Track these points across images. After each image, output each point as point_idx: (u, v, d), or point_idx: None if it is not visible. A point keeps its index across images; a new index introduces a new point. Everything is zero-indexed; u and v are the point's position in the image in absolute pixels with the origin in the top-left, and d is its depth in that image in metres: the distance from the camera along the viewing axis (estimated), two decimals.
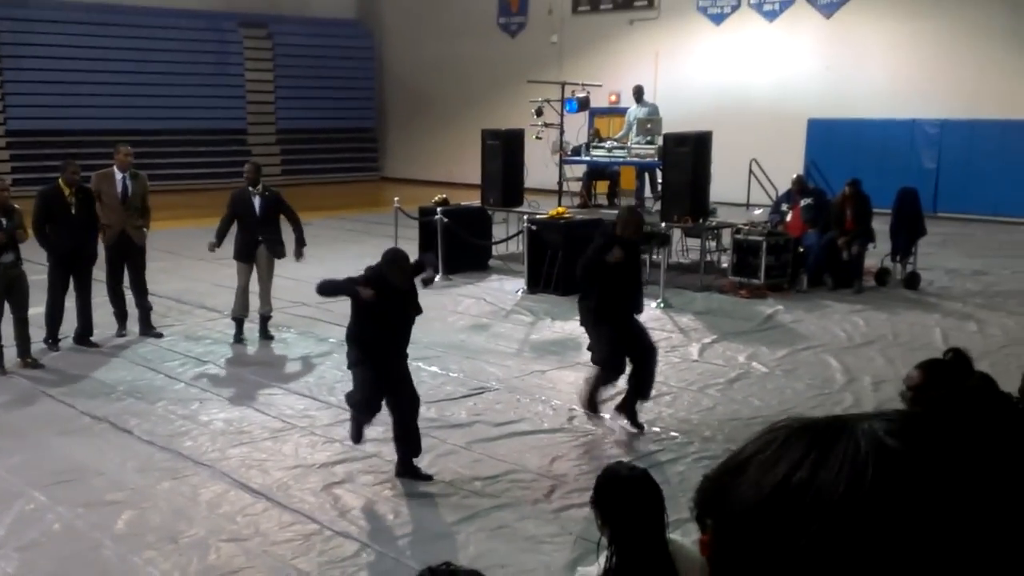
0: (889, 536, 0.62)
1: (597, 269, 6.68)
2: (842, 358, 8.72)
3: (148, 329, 9.46)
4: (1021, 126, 17.46)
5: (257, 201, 9.10)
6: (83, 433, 6.83)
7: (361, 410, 5.98)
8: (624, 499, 2.92)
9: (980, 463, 0.65)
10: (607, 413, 7.03)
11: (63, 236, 8.66)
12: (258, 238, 9.08)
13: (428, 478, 5.94)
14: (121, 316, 9.47)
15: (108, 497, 5.73)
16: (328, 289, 6.03)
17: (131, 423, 6.99)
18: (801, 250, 11.83)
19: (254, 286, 9.26)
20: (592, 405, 6.95)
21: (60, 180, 8.76)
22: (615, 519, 2.88)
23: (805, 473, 0.66)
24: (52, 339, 8.86)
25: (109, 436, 6.77)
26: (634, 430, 6.80)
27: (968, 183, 17.87)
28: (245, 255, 9.14)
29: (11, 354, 8.32)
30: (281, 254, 9.28)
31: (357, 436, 6.16)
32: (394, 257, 5.96)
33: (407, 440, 5.96)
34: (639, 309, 7.03)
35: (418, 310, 6.10)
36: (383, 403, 5.98)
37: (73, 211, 8.72)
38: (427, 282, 6.23)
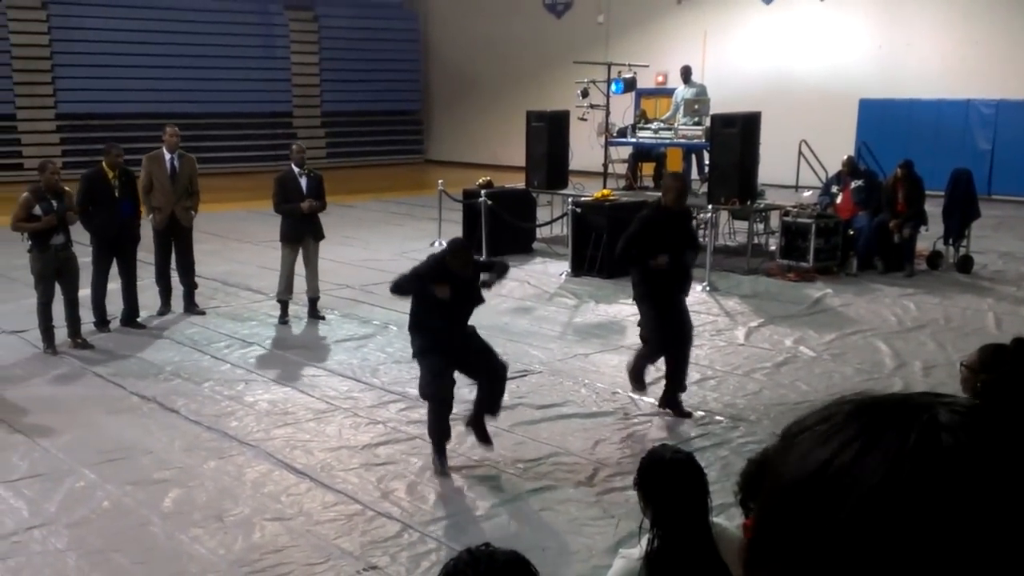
0: (913, 537, 0.60)
1: (639, 242, 6.58)
2: (892, 342, 8.55)
3: (192, 307, 9.63)
4: None
5: (304, 182, 9.18)
6: (131, 413, 6.93)
7: (435, 399, 5.85)
8: (667, 482, 2.90)
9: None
10: (652, 397, 6.94)
11: (106, 218, 8.77)
12: (307, 220, 9.13)
13: (488, 441, 5.97)
14: (166, 295, 9.61)
15: (155, 475, 5.81)
16: (402, 289, 5.93)
17: (178, 403, 7.08)
18: (851, 233, 11.62)
19: (299, 268, 9.32)
20: (639, 379, 6.89)
21: (104, 162, 8.87)
22: (658, 502, 2.88)
23: (847, 457, 0.64)
24: (101, 321, 9.00)
25: (157, 416, 6.86)
26: (682, 418, 6.74)
27: (1023, 165, 17.41)
28: (293, 237, 9.20)
29: (62, 335, 8.46)
30: (322, 235, 9.33)
31: (439, 440, 5.89)
32: (458, 247, 5.96)
33: (488, 403, 5.95)
34: (685, 289, 6.90)
35: (480, 299, 6.07)
36: (454, 391, 5.93)
37: (116, 193, 8.82)
38: (486, 285, 6.19)
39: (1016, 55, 17.55)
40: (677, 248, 6.69)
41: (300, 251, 9.25)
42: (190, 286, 9.65)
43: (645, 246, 6.57)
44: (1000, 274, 11.50)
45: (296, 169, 9.19)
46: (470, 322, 6.06)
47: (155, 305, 9.61)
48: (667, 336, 6.69)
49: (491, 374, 5.94)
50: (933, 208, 11.75)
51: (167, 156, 9.43)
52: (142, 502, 5.46)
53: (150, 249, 9.55)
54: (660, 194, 6.97)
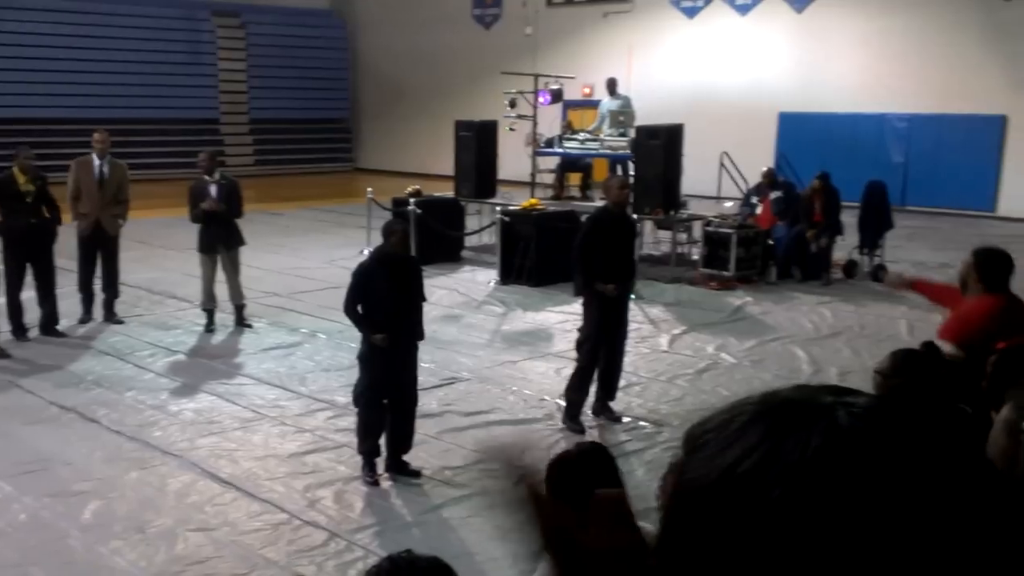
0: (815, 542, 0.62)
1: (590, 246, 6.72)
2: (809, 349, 8.82)
3: (111, 316, 9.46)
4: (988, 121, 17.71)
5: (214, 190, 9.00)
6: (50, 423, 6.79)
7: (368, 407, 5.86)
8: (582, 475, 2.91)
9: (917, 484, 0.63)
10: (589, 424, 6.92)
11: (18, 224, 8.55)
12: (218, 228, 8.99)
13: (417, 474, 5.92)
14: (88, 303, 9.43)
15: (75, 487, 5.71)
16: (351, 300, 5.88)
17: (99, 413, 6.95)
18: (770, 242, 11.94)
19: (220, 275, 9.21)
20: (575, 418, 6.78)
21: (14, 167, 8.65)
22: (580, 496, 2.88)
23: (750, 464, 0.65)
24: (17, 329, 8.77)
25: (77, 426, 6.73)
26: (612, 423, 6.86)
27: (935, 177, 18.10)
28: (205, 246, 9.09)
29: None
30: (241, 242, 9.23)
31: (368, 449, 5.85)
32: (393, 226, 6.00)
33: (401, 438, 5.96)
34: (629, 288, 7.05)
35: (422, 295, 6.10)
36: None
37: (29, 199, 8.60)
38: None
39: (928, 71, 18.25)
40: (621, 251, 6.87)
41: (218, 261, 9.13)
42: (112, 295, 9.48)
43: (594, 250, 6.70)
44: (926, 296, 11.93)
45: (206, 177, 9.07)
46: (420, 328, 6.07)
47: (76, 313, 9.41)
48: (601, 339, 6.81)
49: (402, 404, 5.92)
50: (849, 219, 12.15)
51: (96, 162, 9.24)
52: (61, 515, 5.36)
53: (73, 256, 9.35)
54: (600, 200, 7.14)
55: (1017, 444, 1.86)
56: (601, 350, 6.84)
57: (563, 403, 7.06)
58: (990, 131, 17.76)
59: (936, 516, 0.62)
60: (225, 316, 9.45)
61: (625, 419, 6.98)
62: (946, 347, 4.07)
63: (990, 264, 4.40)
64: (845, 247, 12.18)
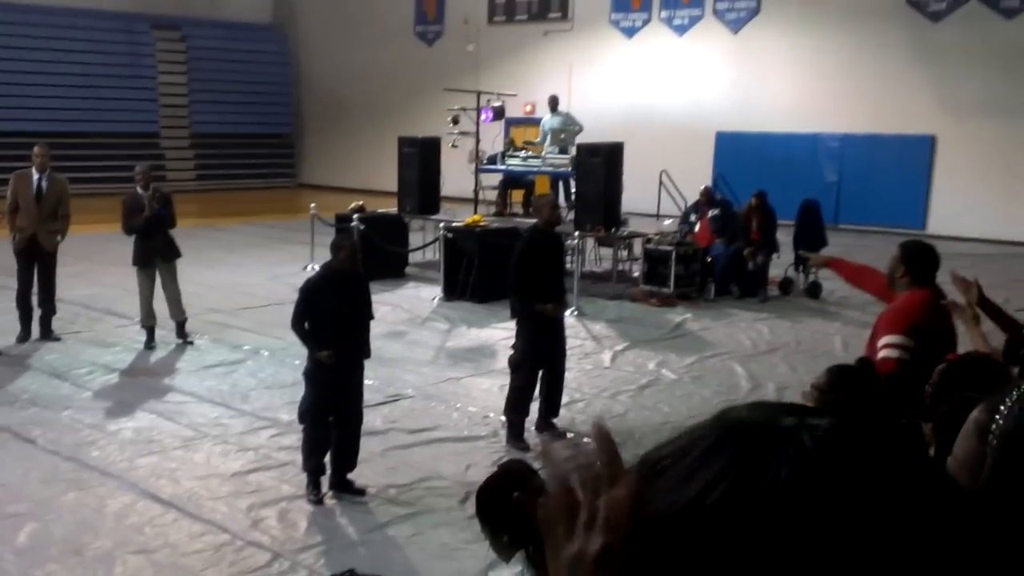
0: (792, 569, 0.62)
1: (526, 268, 6.79)
2: (747, 365, 9.01)
3: (47, 333, 9.28)
4: (919, 141, 18.27)
5: (147, 210, 8.86)
6: None
7: (313, 424, 5.84)
8: (512, 494, 2.93)
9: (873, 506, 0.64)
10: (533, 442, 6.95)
11: None
12: (153, 240, 8.90)
13: (361, 493, 5.92)
14: (26, 320, 9.22)
15: (9, 509, 5.59)
16: (298, 317, 5.87)
17: (35, 432, 6.82)
18: (709, 260, 12.16)
19: (159, 291, 9.10)
20: (519, 436, 6.82)
21: None
22: (514, 518, 2.88)
23: (719, 494, 0.64)
24: None
25: (11, 446, 6.59)
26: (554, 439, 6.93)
27: (867, 195, 18.60)
28: (142, 260, 8.96)
29: None
30: (177, 254, 9.13)
31: (313, 468, 5.84)
32: (342, 242, 6.01)
33: (346, 456, 5.95)
34: (564, 305, 7.16)
35: (370, 312, 6.10)
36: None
37: None
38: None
39: (861, 91, 18.77)
40: (555, 270, 6.98)
41: (157, 275, 9.02)
42: (49, 312, 9.29)
43: (531, 271, 6.77)
44: (846, 299, 12.22)
45: (141, 191, 8.96)
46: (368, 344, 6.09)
47: (10, 330, 9.20)
48: (541, 358, 6.88)
49: (348, 422, 5.93)
50: (784, 236, 12.43)
51: (35, 176, 9.07)
52: None
53: (6, 271, 9.15)
54: (534, 218, 7.22)
55: (984, 447, 1.94)
56: (543, 369, 6.92)
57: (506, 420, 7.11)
58: (920, 150, 18.32)
59: (911, 537, 0.63)
60: (165, 333, 9.33)
61: (568, 435, 7.05)
62: (895, 343, 4.16)
63: (918, 259, 4.43)
64: (781, 264, 12.45)
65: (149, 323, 9.13)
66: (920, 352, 4.11)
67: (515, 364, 6.95)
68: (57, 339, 9.25)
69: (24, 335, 9.19)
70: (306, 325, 5.84)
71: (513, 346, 7.05)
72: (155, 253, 8.92)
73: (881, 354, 4.18)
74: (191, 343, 9.22)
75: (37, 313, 9.28)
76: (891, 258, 4.51)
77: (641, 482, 0.68)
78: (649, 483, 0.68)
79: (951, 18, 17.90)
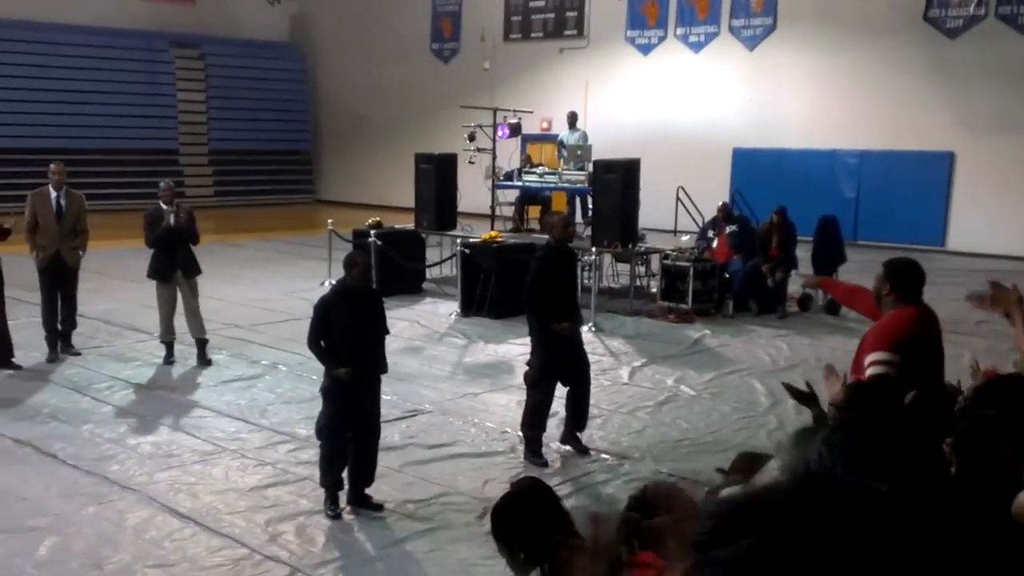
0: None
1: (542, 285, 6.78)
2: (766, 381, 8.96)
3: (68, 347, 9.31)
4: (936, 157, 18.19)
5: (172, 218, 8.92)
6: (5, 457, 6.67)
7: (331, 439, 5.84)
8: (528, 512, 2.88)
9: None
10: (551, 457, 6.94)
11: None
12: (174, 254, 8.93)
13: (379, 508, 5.91)
14: (53, 342, 9.24)
15: (30, 523, 5.62)
16: (313, 335, 5.88)
17: (55, 447, 6.85)
18: (727, 276, 12.13)
19: (179, 308, 9.13)
20: (537, 453, 6.79)
21: None
22: (529, 535, 2.84)
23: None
24: None
25: (32, 460, 6.63)
26: (581, 455, 6.91)
27: (886, 212, 18.52)
28: (161, 274, 9.01)
29: None
30: (198, 270, 9.16)
31: (331, 484, 5.85)
32: (354, 259, 6.00)
33: (363, 471, 5.95)
34: (579, 321, 7.12)
35: (385, 329, 6.10)
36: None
37: None
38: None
39: (878, 108, 18.73)
40: (570, 287, 6.96)
41: (177, 290, 9.05)
42: (70, 327, 9.34)
43: (545, 289, 6.76)
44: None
45: (164, 207, 9.01)
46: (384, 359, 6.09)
47: (31, 345, 9.24)
48: (557, 375, 6.86)
49: (365, 437, 5.93)
50: (803, 253, 12.39)
51: (53, 194, 9.13)
52: (15, 551, 5.27)
53: (24, 286, 9.20)
54: (547, 235, 7.22)
55: None
56: (557, 385, 6.90)
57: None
58: (939, 167, 18.24)
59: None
60: (183, 348, 9.36)
61: (591, 451, 7.02)
62: (883, 359, 4.15)
63: (903, 276, 4.43)
64: (800, 281, 12.38)
65: (168, 338, 9.16)
66: (907, 368, 4.09)
67: (531, 381, 6.93)
68: (78, 354, 9.30)
69: (52, 356, 9.18)
70: (322, 343, 5.85)
71: (529, 363, 7.05)
72: (174, 268, 8.95)
73: (868, 371, 4.17)
74: (210, 363, 9.20)
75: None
76: (876, 276, 4.50)
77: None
78: (709, 544, 0.77)
79: (968, 35, 17.85)
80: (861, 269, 15.22)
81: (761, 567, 0.77)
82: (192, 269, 9.08)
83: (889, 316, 4.39)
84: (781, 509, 0.81)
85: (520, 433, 7.08)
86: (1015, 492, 2.39)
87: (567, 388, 6.98)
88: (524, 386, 7.10)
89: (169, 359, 9.17)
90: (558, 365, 6.85)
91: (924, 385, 3.52)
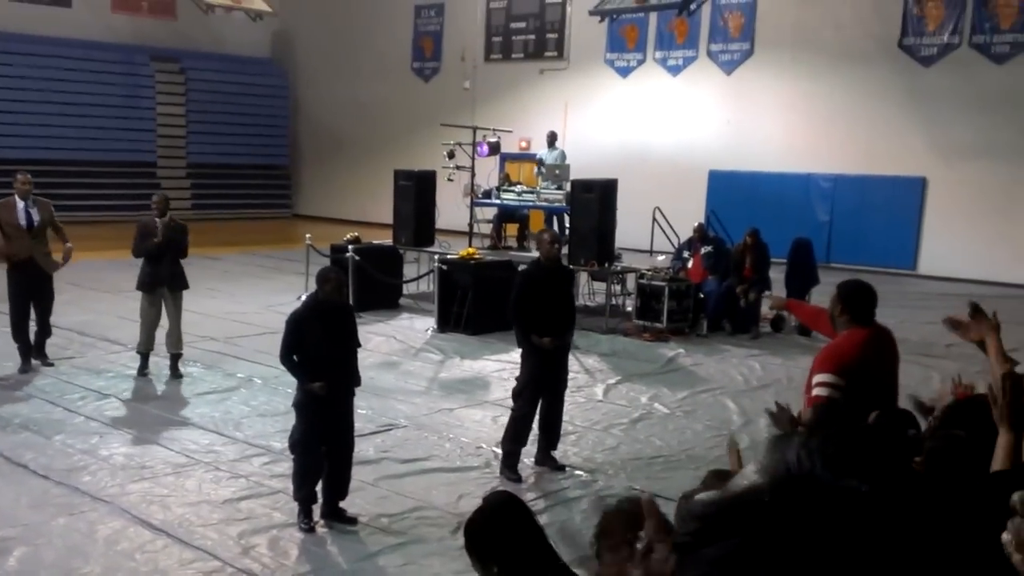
0: None
1: (525, 301, 6.82)
2: (739, 400, 9.04)
3: (41, 356, 9.25)
4: (909, 182, 18.46)
5: (163, 233, 8.94)
6: None
7: (305, 454, 5.84)
8: (501, 526, 2.88)
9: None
10: (525, 472, 6.97)
11: None
12: (162, 268, 8.92)
13: (353, 521, 5.91)
14: (26, 353, 9.16)
15: (0, 534, 5.58)
16: (286, 350, 5.88)
17: (26, 457, 6.80)
18: (701, 296, 12.24)
19: (162, 321, 9.10)
20: (513, 468, 6.83)
21: None
22: (503, 550, 2.84)
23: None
24: None
25: (2, 470, 6.57)
26: (556, 472, 6.94)
27: (859, 235, 18.74)
28: (147, 285, 8.99)
29: None
30: (184, 285, 9.15)
31: (305, 503, 5.85)
32: (327, 274, 6.01)
33: (337, 485, 5.95)
34: (567, 339, 7.13)
35: (357, 343, 6.11)
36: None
37: None
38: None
39: (853, 133, 18.99)
40: (558, 302, 6.96)
41: (162, 303, 9.04)
42: (44, 336, 9.28)
43: (529, 304, 6.80)
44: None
45: (157, 221, 9.01)
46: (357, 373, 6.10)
47: (2, 354, 9.16)
48: (541, 387, 6.90)
49: (339, 451, 5.93)
50: (776, 274, 12.52)
51: (20, 204, 9.01)
52: None
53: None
54: (530, 252, 7.26)
55: None
56: (541, 399, 6.94)
57: (500, 451, 7.12)
58: (911, 192, 18.50)
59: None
60: (157, 360, 9.32)
61: (566, 468, 7.05)
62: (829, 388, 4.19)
63: (855, 298, 4.44)
64: (768, 303, 12.51)
65: (146, 349, 9.11)
66: (853, 392, 4.12)
67: (516, 393, 6.99)
68: (51, 364, 9.24)
69: (25, 367, 9.11)
70: (295, 357, 5.86)
71: (517, 376, 7.09)
72: (162, 281, 8.92)
73: (814, 391, 4.22)
74: (181, 377, 9.15)
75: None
76: (831, 298, 4.53)
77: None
78: (692, 544, 0.81)
79: (942, 63, 18.17)
80: (832, 291, 15.40)
81: (749, 564, 0.82)
82: (178, 284, 9.05)
83: (840, 338, 4.42)
84: (766, 508, 0.85)
85: (495, 449, 7.11)
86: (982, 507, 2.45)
87: (541, 404, 7.01)
88: (500, 402, 7.14)
89: (143, 371, 9.13)
90: (540, 378, 6.89)
91: (872, 408, 3.54)
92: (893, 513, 0.82)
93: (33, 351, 9.24)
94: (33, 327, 9.29)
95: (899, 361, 4.59)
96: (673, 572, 0.87)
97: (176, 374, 9.14)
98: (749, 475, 1.40)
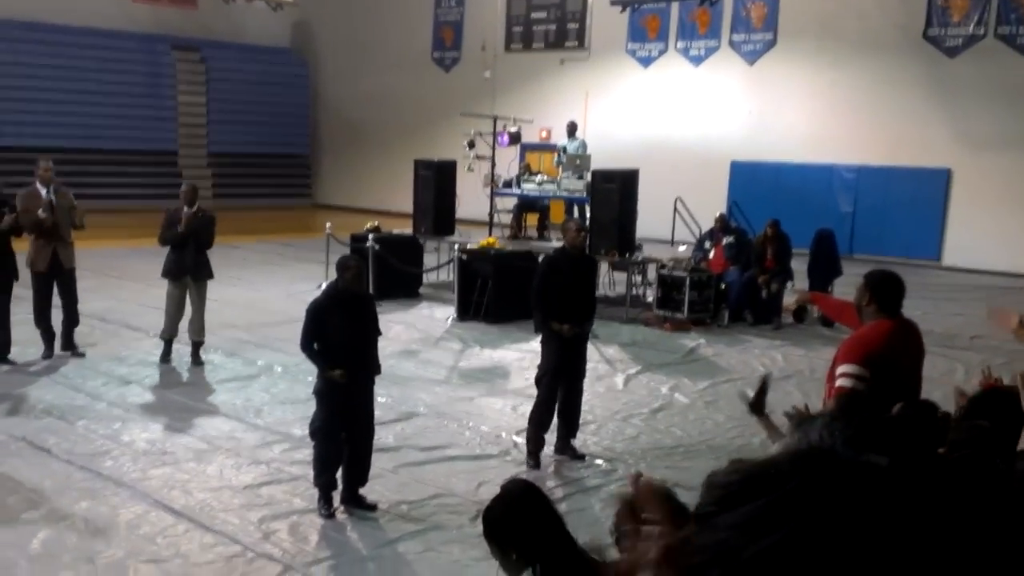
0: None
1: (547, 287, 6.81)
2: None
3: (71, 347, 9.25)
4: (933, 173, 18.27)
5: (186, 223, 8.95)
6: None
7: (326, 440, 5.85)
8: (520, 513, 2.90)
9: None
10: (545, 461, 6.96)
11: None
12: (187, 257, 8.96)
13: (373, 508, 5.92)
14: (49, 339, 9.20)
15: (24, 516, 5.63)
16: (306, 338, 5.87)
17: (50, 442, 6.85)
18: (723, 286, 12.17)
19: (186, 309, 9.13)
20: (535, 455, 6.85)
21: None
22: (521, 537, 2.85)
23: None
24: None
25: (26, 455, 6.63)
26: (576, 460, 6.92)
27: (883, 227, 18.58)
28: (172, 273, 9.02)
29: None
30: (210, 274, 9.17)
31: (325, 490, 5.87)
32: (348, 262, 6.01)
33: (357, 471, 5.96)
34: (586, 328, 7.12)
35: (378, 330, 6.10)
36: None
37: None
38: None
39: (876, 123, 18.81)
40: (579, 291, 6.96)
41: (186, 292, 9.05)
42: (71, 325, 9.24)
43: (551, 290, 6.79)
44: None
45: (186, 209, 9.02)
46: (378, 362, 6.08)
47: (27, 340, 9.21)
48: (561, 374, 6.88)
49: (359, 438, 5.93)
50: (799, 265, 12.43)
51: (43, 191, 9.01)
52: (9, 543, 5.28)
53: (20, 283, 9.14)
54: (552, 241, 7.27)
55: None
56: (560, 387, 6.93)
57: (519, 440, 7.11)
58: (936, 183, 18.32)
59: None
60: (179, 347, 9.36)
61: (586, 457, 7.03)
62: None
63: (883, 288, 4.38)
64: (795, 292, 12.42)
65: (170, 336, 9.13)
66: (877, 383, 4.06)
67: (537, 379, 7.00)
68: (81, 355, 9.22)
69: (48, 353, 9.16)
70: (315, 345, 5.86)
71: (539, 365, 7.08)
72: (186, 270, 8.95)
73: (837, 382, 4.16)
74: (202, 364, 9.18)
75: (58, 329, 9.25)
76: (857, 288, 4.46)
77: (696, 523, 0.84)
78: (715, 513, 0.82)
79: (967, 53, 17.96)
80: (857, 282, 15.27)
81: (767, 529, 0.82)
82: (203, 273, 9.07)
83: (866, 328, 4.35)
84: (785, 477, 0.85)
85: (515, 437, 7.11)
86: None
87: (560, 392, 6.98)
88: (519, 391, 7.13)
89: (166, 357, 9.16)
90: (561, 365, 6.88)
91: (896, 400, 3.49)
92: (913, 488, 0.82)
93: (62, 342, 9.23)
94: (59, 317, 9.30)
95: (924, 354, 4.53)
96: (674, 549, 0.88)
97: (197, 361, 9.17)
98: (773, 451, 1.40)
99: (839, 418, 1.81)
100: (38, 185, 9.03)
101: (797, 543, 0.77)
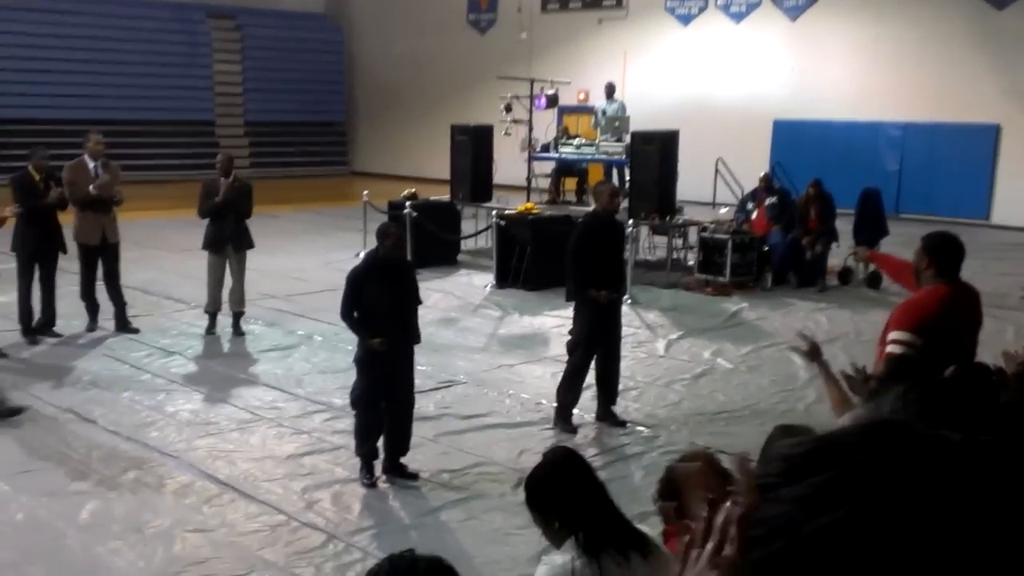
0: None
1: (581, 252, 6.73)
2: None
3: (124, 325, 9.26)
4: (981, 129, 17.80)
5: (224, 193, 8.95)
6: (47, 423, 6.77)
7: (367, 409, 5.85)
8: (562, 481, 2.89)
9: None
10: (585, 427, 6.93)
11: (34, 223, 8.51)
12: (226, 227, 8.97)
13: (414, 477, 5.92)
14: (93, 311, 9.28)
15: (72, 487, 5.71)
16: (346, 307, 5.85)
17: (96, 413, 6.94)
18: (766, 249, 11.97)
19: (227, 278, 9.16)
20: (567, 420, 6.84)
21: (30, 166, 8.62)
22: (564, 504, 2.85)
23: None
24: (28, 333, 8.73)
25: (73, 426, 6.72)
26: (617, 427, 6.87)
27: (930, 185, 18.17)
28: (212, 245, 9.04)
29: None
30: (250, 244, 9.17)
31: (367, 459, 5.88)
32: (387, 229, 5.97)
33: (398, 440, 5.96)
34: (621, 292, 7.06)
35: (417, 299, 6.06)
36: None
37: (45, 198, 8.59)
38: None
39: (922, 79, 18.33)
40: (611, 257, 6.89)
41: (227, 262, 9.08)
42: (120, 303, 9.24)
43: (587, 255, 6.71)
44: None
45: (222, 179, 9.01)
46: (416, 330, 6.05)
47: (71, 314, 9.32)
48: (596, 342, 6.82)
49: (400, 407, 5.91)
50: (844, 225, 12.19)
51: (91, 164, 8.98)
52: (58, 514, 5.36)
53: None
54: (594, 203, 7.19)
55: None
56: (595, 354, 6.86)
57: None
58: (984, 140, 17.85)
59: None
60: (220, 317, 9.41)
61: (627, 424, 6.98)
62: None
63: (942, 250, 4.24)
64: (840, 254, 12.21)
65: (214, 308, 9.18)
66: (929, 349, 3.94)
67: (571, 347, 6.94)
68: (136, 331, 9.19)
69: (92, 325, 9.22)
70: (355, 314, 5.83)
71: (571, 330, 7.00)
72: (226, 240, 8.96)
73: (888, 348, 4.04)
74: (243, 334, 9.21)
75: (107, 308, 9.27)
76: (915, 251, 4.31)
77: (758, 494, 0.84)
78: (777, 485, 0.81)
79: (1016, 5, 17.38)
80: (904, 242, 14.94)
81: (831, 504, 0.78)
82: (242, 243, 9.06)
83: (921, 293, 4.23)
84: (854, 450, 0.83)
85: (555, 404, 7.06)
86: None
87: (597, 359, 6.92)
88: (560, 358, 7.08)
89: (211, 330, 9.20)
90: (595, 333, 6.80)
91: (947, 366, 3.38)
92: (987, 466, 0.79)
93: (116, 323, 9.22)
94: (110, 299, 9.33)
95: (981, 321, 4.38)
96: (747, 519, 0.85)
97: (238, 331, 9.22)
98: (842, 424, 1.35)
99: (913, 389, 1.75)
100: (86, 157, 9.01)
101: (862, 519, 0.76)
